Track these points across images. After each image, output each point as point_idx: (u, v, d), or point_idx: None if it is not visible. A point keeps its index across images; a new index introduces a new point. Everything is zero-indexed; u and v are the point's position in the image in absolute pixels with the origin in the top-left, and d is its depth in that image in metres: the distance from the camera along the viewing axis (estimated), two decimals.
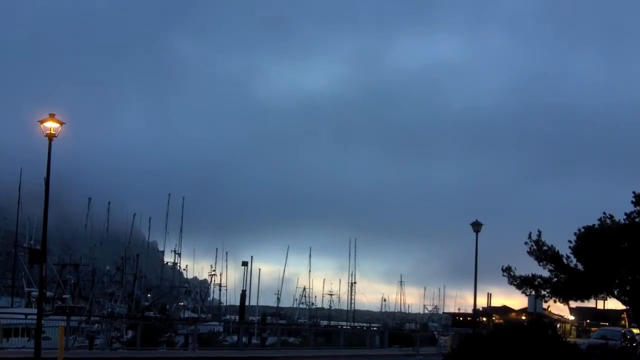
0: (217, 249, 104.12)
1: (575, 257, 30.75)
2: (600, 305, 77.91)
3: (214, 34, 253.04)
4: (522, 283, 32.52)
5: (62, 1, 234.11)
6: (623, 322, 74.13)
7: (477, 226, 39.85)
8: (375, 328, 74.95)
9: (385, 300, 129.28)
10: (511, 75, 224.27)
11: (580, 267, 30.86)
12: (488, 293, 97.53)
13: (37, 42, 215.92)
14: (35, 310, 29.45)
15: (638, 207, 29.65)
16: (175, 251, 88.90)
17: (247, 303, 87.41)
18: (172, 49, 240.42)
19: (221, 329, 54.55)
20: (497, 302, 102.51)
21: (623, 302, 34.55)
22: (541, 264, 31.83)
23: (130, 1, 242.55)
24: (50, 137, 25.04)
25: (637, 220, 29.49)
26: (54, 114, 25.25)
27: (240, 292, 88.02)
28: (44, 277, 27.50)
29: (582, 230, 30.44)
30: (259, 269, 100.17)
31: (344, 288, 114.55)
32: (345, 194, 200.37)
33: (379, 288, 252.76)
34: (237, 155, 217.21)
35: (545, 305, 50.89)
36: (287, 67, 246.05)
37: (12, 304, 60.33)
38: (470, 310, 76.10)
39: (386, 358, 43.36)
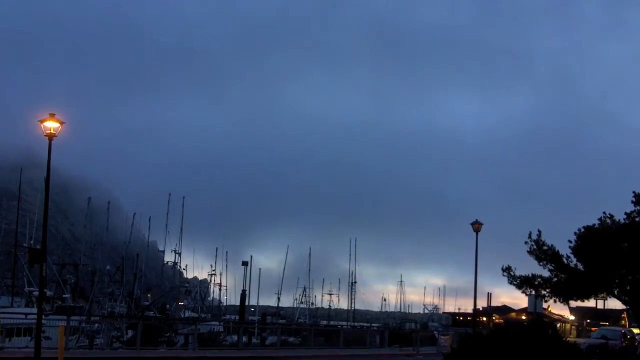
0: (217, 248, 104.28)
1: (575, 256, 30.67)
2: (600, 305, 77.84)
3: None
4: (522, 283, 32.43)
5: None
6: (623, 322, 74.11)
7: (477, 226, 39.83)
8: (375, 328, 74.91)
9: (385, 300, 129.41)
10: None
11: (580, 266, 30.77)
12: (488, 293, 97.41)
13: (37, 42, 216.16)
14: (35, 310, 29.43)
15: (638, 207, 29.59)
16: (175, 251, 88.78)
17: (247, 303, 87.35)
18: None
19: (221, 329, 54.50)
20: (497, 302, 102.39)
21: (623, 302, 34.47)
22: (541, 263, 31.75)
23: None
24: (50, 137, 24.97)
25: (637, 220, 29.43)
26: (54, 114, 25.20)
27: (240, 292, 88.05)
28: (44, 277, 27.47)
29: (582, 230, 30.37)
30: (259, 269, 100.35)
31: (344, 288, 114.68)
32: (347, 193, 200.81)
33: (379, 288, 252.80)
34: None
35: (545, 305, 50.82)
36: None
37: (12, 304, 60.35)
38: (470, 310, 76.08)
39: (386, 358, 43.33)
